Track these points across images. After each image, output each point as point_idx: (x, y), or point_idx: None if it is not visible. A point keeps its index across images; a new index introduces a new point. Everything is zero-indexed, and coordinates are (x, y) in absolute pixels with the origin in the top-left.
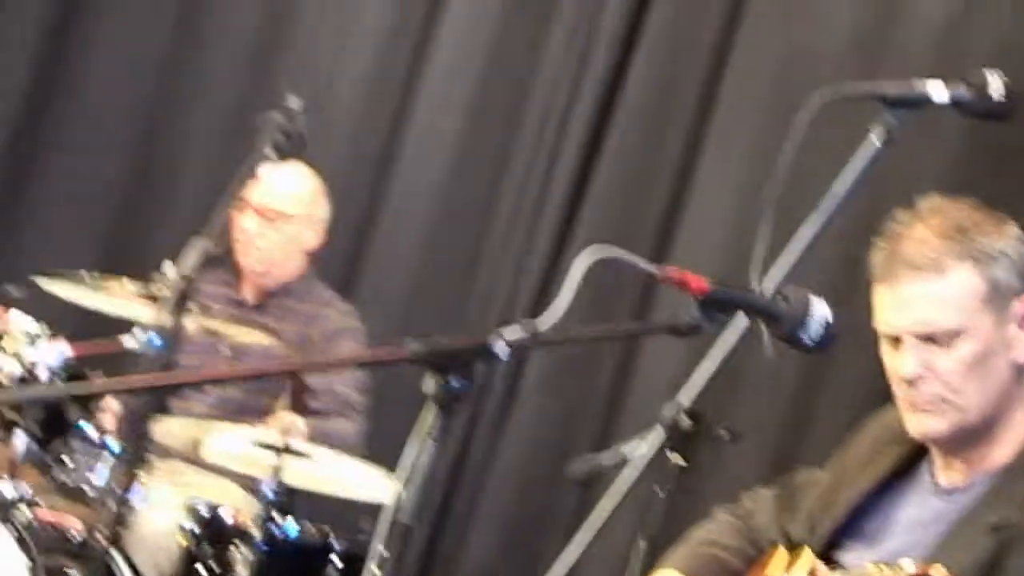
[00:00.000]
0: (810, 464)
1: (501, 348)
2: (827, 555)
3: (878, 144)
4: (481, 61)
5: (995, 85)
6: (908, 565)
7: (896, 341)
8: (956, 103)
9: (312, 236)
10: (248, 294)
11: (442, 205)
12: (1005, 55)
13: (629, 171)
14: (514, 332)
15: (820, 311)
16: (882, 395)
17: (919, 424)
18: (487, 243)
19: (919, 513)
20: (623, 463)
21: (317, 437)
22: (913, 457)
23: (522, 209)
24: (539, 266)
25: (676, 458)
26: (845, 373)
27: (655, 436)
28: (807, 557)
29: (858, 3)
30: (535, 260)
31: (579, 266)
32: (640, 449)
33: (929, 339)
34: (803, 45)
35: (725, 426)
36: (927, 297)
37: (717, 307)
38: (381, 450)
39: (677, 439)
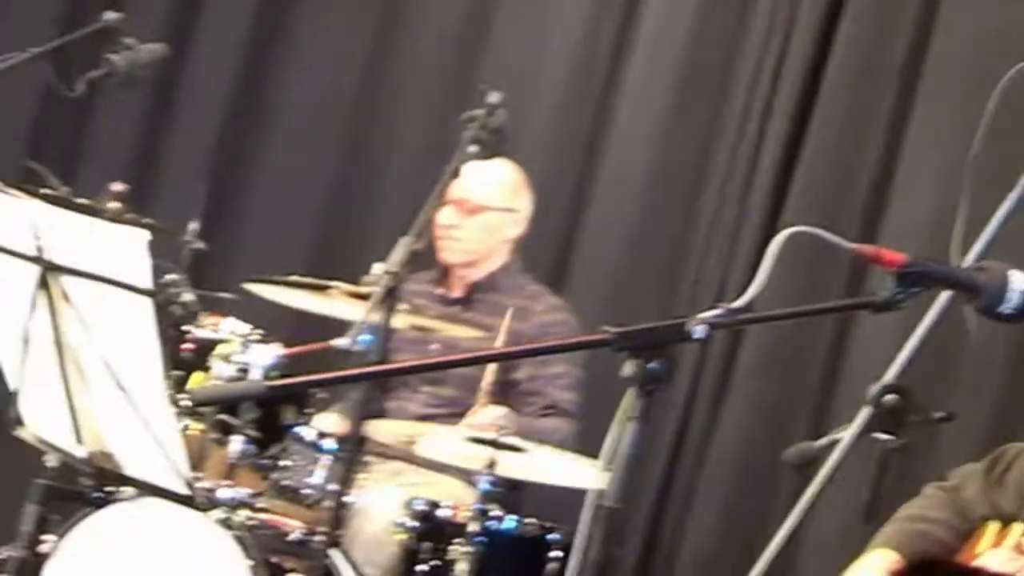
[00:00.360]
0: None
1: (698, 328)
2: None
3: None
4: (681, 50)
5: None
6: None
7: None
8: None
9: (512, 227)
10: (455, 290)
11: (647, 194)
12: None
13: (834, 156)
14: (711, 313)
15: (1019, 281)
16: None
17: None
18: (693, 233)
19: None
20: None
21: (529, 435)
22: None
23: (728, 198)
24: (747, 253)
25: (886, 436)
26: None
27: (863, 416)
28: (1017, 530)
29: None
30: (743, 248)
31: (775, 245)
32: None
33: None
34: (1003, 24)
35: (937, 410)
36: None
37: (913, 281)
38: (597, 445)
39: (885, 417)
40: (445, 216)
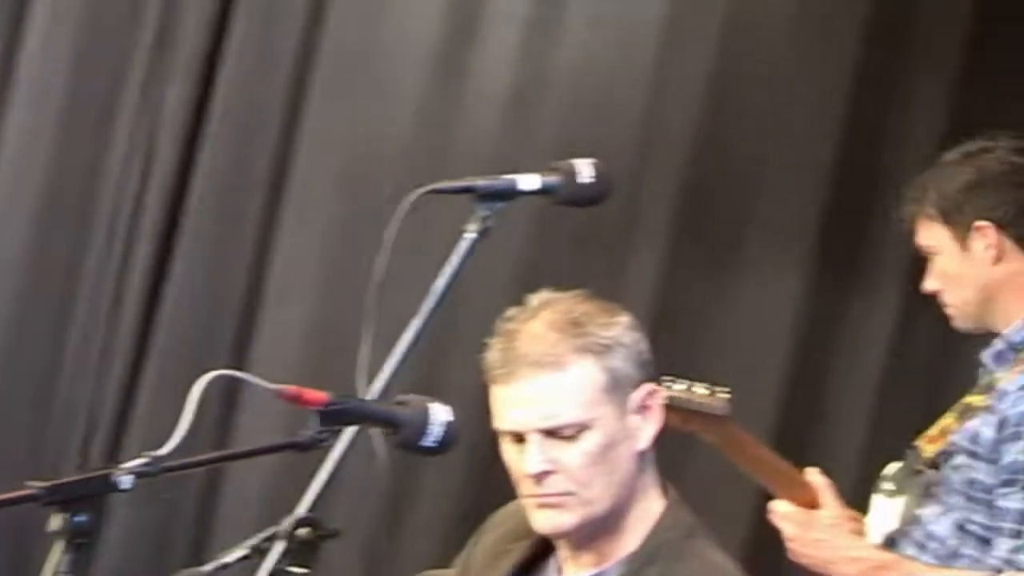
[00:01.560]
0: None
1: (124, 479)
2: None
3: (474, 236)
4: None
5: (586, 172)
6: None
7: (519, 439)
8: (547, 191)
9: None
10: None
11: (10, 330)
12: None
13: (205, 269)
14: (136, 463)
15: (440, 414)
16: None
17: (548, 520)
18: (62, 360)
19: None
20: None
21: None
22: (540, 552)
23: (97, 319)
24: (119, 378)
25: (299, 570)
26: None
27: (277, 550)
28: None
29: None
30: (115, 369)
31: (196, 390)
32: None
33: (553, 434)
34: (370, 122)
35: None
36: (549, 392)
37: (336, 419)
38: None
39: (296, 550)
40: None
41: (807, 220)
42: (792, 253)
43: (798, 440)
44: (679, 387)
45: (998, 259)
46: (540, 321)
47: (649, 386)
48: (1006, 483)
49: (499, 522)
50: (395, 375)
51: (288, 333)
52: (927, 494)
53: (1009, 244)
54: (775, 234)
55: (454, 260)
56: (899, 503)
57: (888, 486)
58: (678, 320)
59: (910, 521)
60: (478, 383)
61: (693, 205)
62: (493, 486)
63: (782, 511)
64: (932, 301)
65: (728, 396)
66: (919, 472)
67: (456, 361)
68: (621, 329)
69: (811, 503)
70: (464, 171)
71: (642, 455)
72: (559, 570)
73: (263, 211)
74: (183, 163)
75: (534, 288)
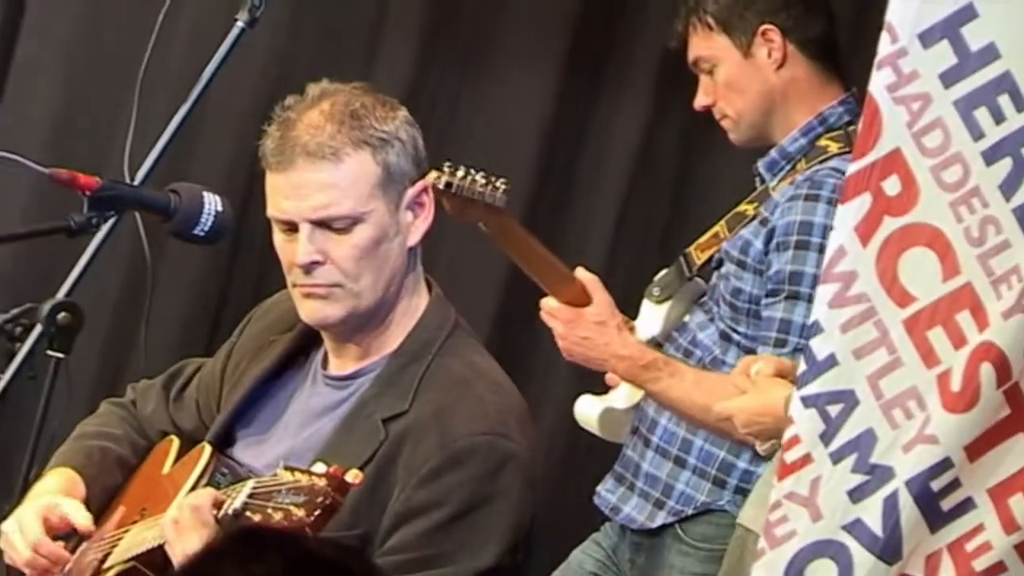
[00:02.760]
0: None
1: None
2: (224, 449)
3: (242, 25)
4: None
5: None
6: (320, 467)
7: (291, 229)
8: None
9: None
10: None
11: None
12: None
13: None
14: None
15: (211, 203)
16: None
17: (314, 311)
18: None
19: (312, 402)
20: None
21: None
22: (306, 344)
23: None
24: None
25: (58, 354)
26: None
27: (35, 334)
28: (206, 454)
29: None
30: None
31: None
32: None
33: (325, 225)
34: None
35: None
36: (324, 183)
37: (107, 205)
38: None
39: (54, 334)
40: None
41: (559, 18)
42: (544, 50)
43: (546, 237)
44: (459, 174)
45: (781, 64)
46: (318, 111)
47: (423, 182)
48: (771, 293)
49: (264, 312)
50: (156, 165)
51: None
52: (697, 302)
53: (792, 49)
54: (527, 31)
55: (223, 47)
56: (665, 309)
57: (656, 292)
58: (429, 112)
59: (677, 327)
60: (227, 172)
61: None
62: (239, 278)
63: (549, 308)
64: (682, 106)
65: (506, 187)
66: (690, 279)
67: (203, 151)
68: (399, 123)
69: (581, 301)
70: None
71: (412, 251)
72: (324, 364)
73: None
74: None
75: (286, 79)
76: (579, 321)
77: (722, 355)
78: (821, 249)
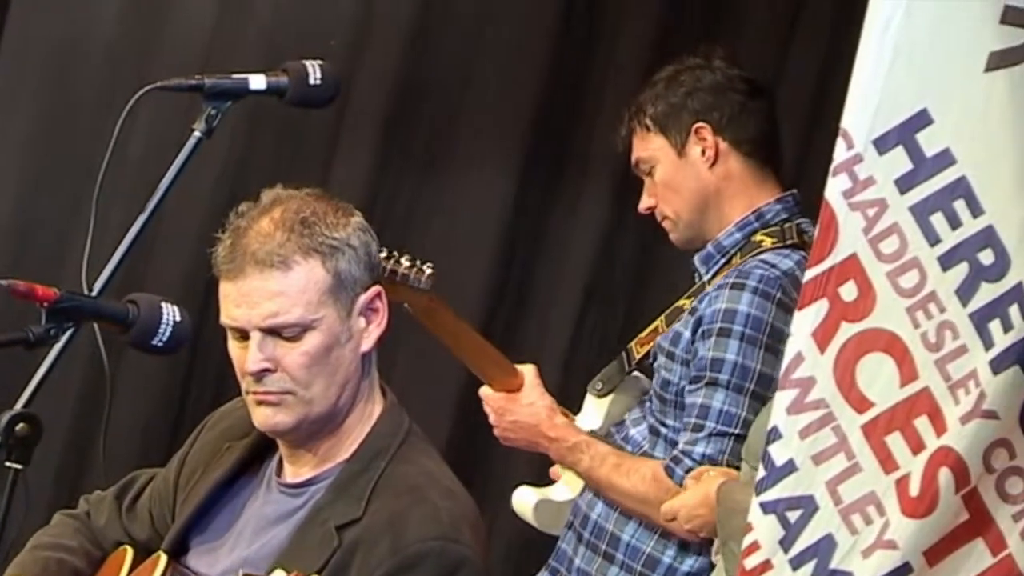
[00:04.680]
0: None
1: None
2: (180, 558)
3: (199, 135)
4: None
5: (315, 73)
6: (280, 575)
7: (243, 336)
8: (277, 91)
9: None
10: None
11: None
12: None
13: None
14: None
15: (169, 313)
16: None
17: (266, 417)
18: None
19: (266, 510)
20: None
21: None
22: (261, 451)
23: None
24: None
25: (16, 465)
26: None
27: None
28: (162, 563)
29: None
30: None
31: None
32: None
33: (275, 333)
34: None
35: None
36: (272, 291)
37: (66, 316)
38: None
39: (13, 446)
40: None
41: (518, 121)
42: (502, 153)
43: (505, 338)
44: (382, 255)
45: (714, 161)
46: (269, 219)
47: (376, 288)
48: (693, 380)
49: (219, 420)
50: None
51: None
52: (641, 399)
53: (725, 146)
54: (486, 133)
55: (181, 157)
56: (606, 403)
57: (599, 386)
58: (387, 212)
59: (615, 422)
60: (183, 280)
61: (404, 103)
62: (197, 386)
63: (483, 394)
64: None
65: (431, 272)
66: (628, 373)
67: (160, 259)
68: (351, 230)
69: (517, 387)
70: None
71: (366, 357)
72: (279, 471)
73: None
74: None
75: (242, 186)
76: (509, 406)
77: (651, 449)
78: (743, 337)
